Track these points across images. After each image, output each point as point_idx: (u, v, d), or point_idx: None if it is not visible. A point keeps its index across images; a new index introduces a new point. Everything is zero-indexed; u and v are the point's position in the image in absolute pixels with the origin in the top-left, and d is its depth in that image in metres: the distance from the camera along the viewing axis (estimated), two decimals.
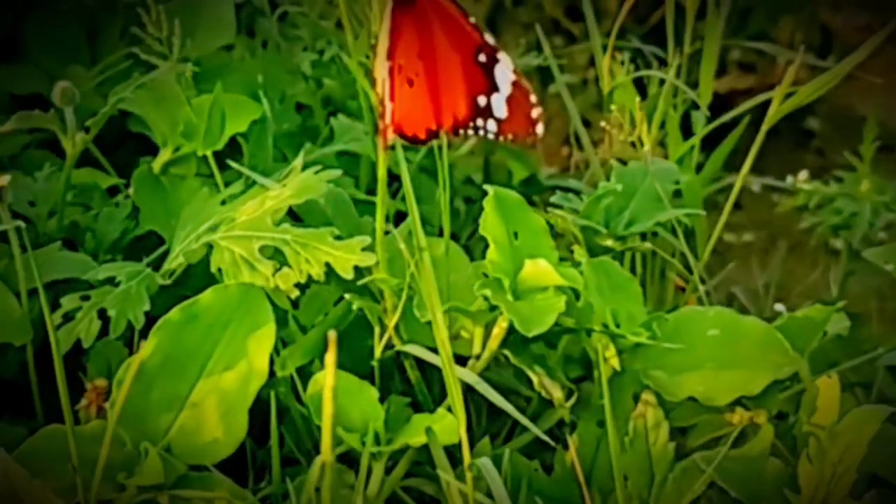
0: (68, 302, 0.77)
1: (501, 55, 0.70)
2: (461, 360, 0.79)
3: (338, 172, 0.78)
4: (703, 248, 1.02)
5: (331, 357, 0.47)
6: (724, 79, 1.57)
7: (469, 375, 0.72)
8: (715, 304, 0.87)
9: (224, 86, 0.95)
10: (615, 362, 0.79)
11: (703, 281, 0.94)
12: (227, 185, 0.90)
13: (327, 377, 0.47)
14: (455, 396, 0.66)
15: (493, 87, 0.70)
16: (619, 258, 1.00)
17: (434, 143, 1.07)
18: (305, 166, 0.79)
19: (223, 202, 0.83)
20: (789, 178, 1.24)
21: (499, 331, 0.77)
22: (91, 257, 0.89)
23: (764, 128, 0.97)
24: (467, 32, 0.70)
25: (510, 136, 0.70)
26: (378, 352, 0.79)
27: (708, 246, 1.02)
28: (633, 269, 1.01)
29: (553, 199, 0.91)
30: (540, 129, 0.70)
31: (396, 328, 0.77)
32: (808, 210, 1.22)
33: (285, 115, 1.04)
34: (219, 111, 0.87)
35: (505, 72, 0.70)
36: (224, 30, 1.03)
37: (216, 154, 0.92)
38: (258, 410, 0.74)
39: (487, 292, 0.74)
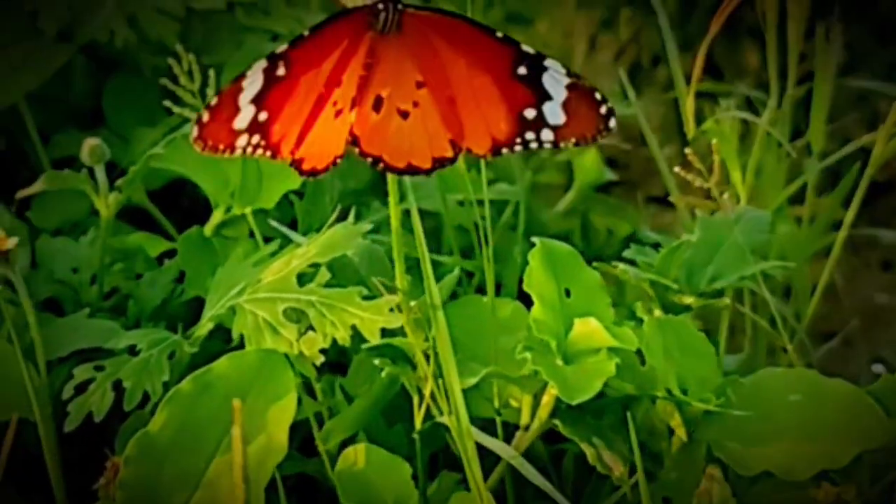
0: (81, 372, 0.72)
1: (549, 62, 0.63)
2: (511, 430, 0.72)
3: (367, 226, 0.71)
4: (808, 306, 0.93)
5: (237, 430, 0.40)
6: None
7: (505, 451, 0.65)
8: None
9: None
10: (682, 432, 0.70)
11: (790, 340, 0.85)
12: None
13: (234, 455, 0.40)
14: (474, 472, 0.58)
15: (542, 97, 0.63)
16: (707, 317, 0.92)
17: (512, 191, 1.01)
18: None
19: (257, 263, 0.77)
20: None
21: (549, 398, 0.70)
22: (134, 325, 0.85)
23: (869, 171, 0.88)
24: (496, 48, 0.63)
25: (572, 140, 0.63)
26: (418, 423, 0.72)
27: (811, 304, 0.92)
28: (731, 330, 0.92)
29: (626, 252, 0.83)
30: (612, 123, 0.63)
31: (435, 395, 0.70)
32: None
33: (352, 172, 0.98)
34: (255, 165, 0.81)
35: (556, 77, 0.63)
36: None
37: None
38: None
39: (528, 355, 0.66)
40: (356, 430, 0.76)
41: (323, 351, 0.69)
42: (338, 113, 0.63)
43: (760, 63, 1.44)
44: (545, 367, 0.66)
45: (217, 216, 0.89)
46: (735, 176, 0.94)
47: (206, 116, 0.62)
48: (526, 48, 0.63)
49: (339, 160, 0.63)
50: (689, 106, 0.93)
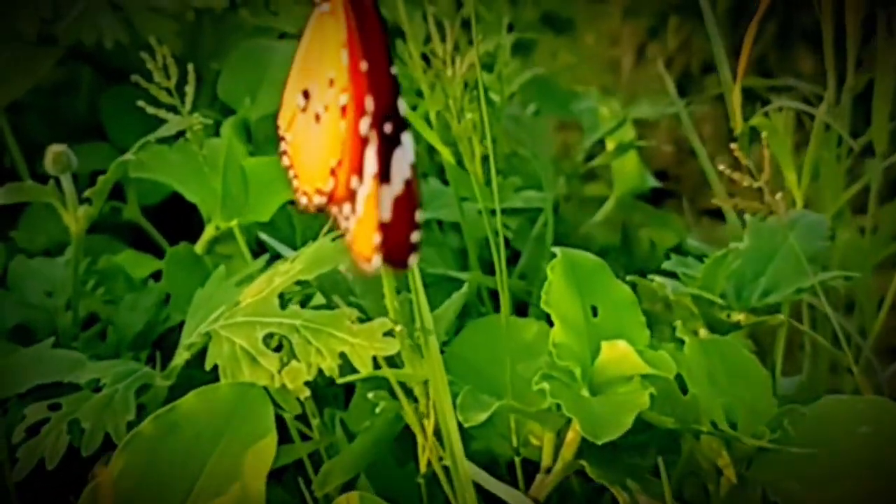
0: (34, 412, 0.62)
1: (406, 138, 0.48)
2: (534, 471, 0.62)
3: None
4: (874, 321, 0.83)
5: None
6: None
7: (518, 500, 0.54)
8: None
9: None
10: (731, 473, 0.60)
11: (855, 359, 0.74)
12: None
13: None
14: None
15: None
16: (759, 336, 0.81)
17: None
18: None
19: (240, 283, 0.67)
20: None
21: (574, 435, 0.59)
22: (114, 355, 0.75)
23: None
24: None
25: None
26: (422, 464, 0.62)
27: (878, 319, 0.82)
28: (787, 350, 0.81)
29: (666, 264, 0.73)
30: (377, 262, 0.48)
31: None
32: None
33: None
34: (237, 173, 0.71)
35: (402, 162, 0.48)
36: None
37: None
38: None
39: (546, 386, 0.56)
40: (357, 473, 0.66)
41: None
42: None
43: (814, 68, 1.35)
44: (567, 399, 0.56)
45: (209, 231, 0.79)
46: (789, 177, 0.84)
47: None
48: (400, 104, 0.48)
49: None
50: (735, 99, 0.83)
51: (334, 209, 0.49)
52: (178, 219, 0.89)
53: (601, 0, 1.44)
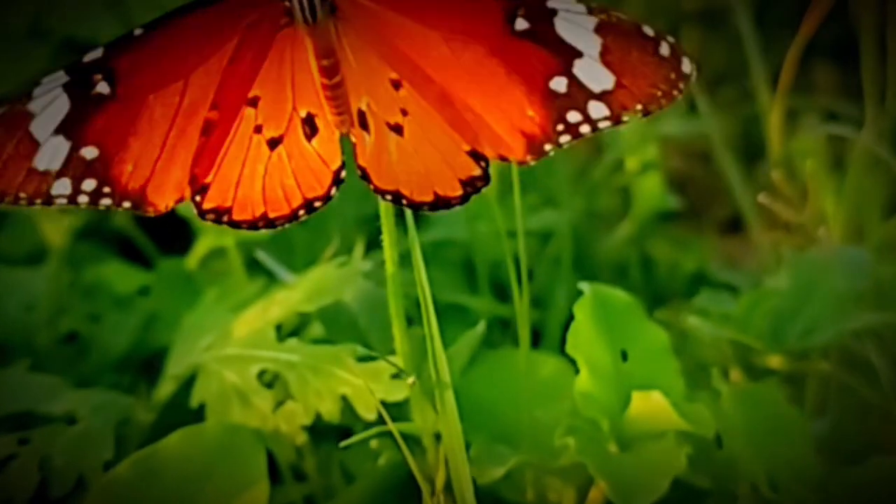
0: (1, 447, 0.56)
1: (555, 2, 0.44)
2: None
3: (365, 265, 0.55)
4: None
5: None
6: None
7: None
8: None
9: None
10: None
11: None
12: None
13: None
14: None
15: (568, 55, 0.44)
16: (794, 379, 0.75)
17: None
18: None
19: (234, 308, 0.61)
20: None
21: (597, 493, 0.53)
22: (94, 379, 0.70)
23: None
24: (477, 4, 0.45)
25: (638, 107, 0.44)
26: None
27: None
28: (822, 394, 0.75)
29: (697, 300, 0.67)
30: (687, 67, 0.44)
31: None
32: None
33: (369, 194, 0.82)
34: None
35: (574, 20, 0.44)
36: None
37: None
38: None
39: (571, 442, 0.50)
40: None
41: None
42: (272, 142, 0.47)
43: (829, 82, 1.29)
44: (595, 458, 0.50)
45: (202, 245, 0.74)
46: (826, 205, 0.79)
47: None
48: None
49: (303, 207, 0.47)
50: (774, 122, 0.77)
51: None
52: (167, 221, 0.83)
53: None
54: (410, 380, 0.48)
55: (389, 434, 0.53)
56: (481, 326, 0.57)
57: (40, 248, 0.83)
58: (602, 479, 0.49)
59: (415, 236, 0.47)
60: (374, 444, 0.53)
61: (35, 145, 0.45)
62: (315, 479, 0.61)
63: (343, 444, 0.51)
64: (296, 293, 0.56)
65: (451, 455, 0.46)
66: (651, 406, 0.52)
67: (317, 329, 0.59)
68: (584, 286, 0.56)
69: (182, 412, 0.61)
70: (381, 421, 0.52)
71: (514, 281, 0.77)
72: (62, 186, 0.45)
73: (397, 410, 0.55)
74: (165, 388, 0.60)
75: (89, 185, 0.45)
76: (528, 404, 0.57)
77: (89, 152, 0.45)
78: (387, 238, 0.49)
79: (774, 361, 0.64)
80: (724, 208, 1.15)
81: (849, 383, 0.69)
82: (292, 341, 0.55)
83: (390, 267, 0.49)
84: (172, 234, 0.82)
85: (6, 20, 0.83)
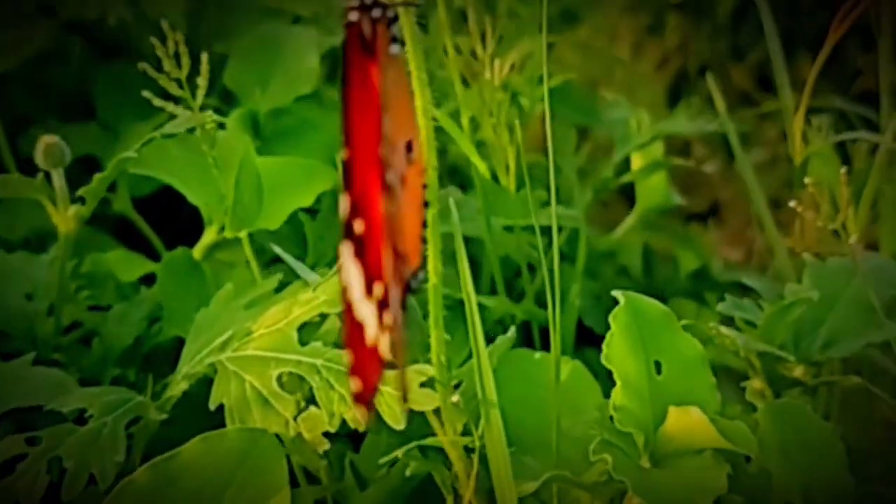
0: (9, 446, 0.54)
1: None
2: None
3: None
4: None
5: None
6: None
7: None
8: None
9: (298, 147, 0.74)
10: None
11: None
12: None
13: None
14: None
15: None
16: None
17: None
18: None
19: (249, 305, 0.59)
20: None
21: None
22: (98, 371, 0.67)
23: None
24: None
25: None
26: None
27: None
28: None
29: (720, 306, 0.65)
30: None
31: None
32: None
33: None
34: (253, 179, 0.63)
35: None
36: (305, 78, 0.81)
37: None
38: None
39: (608, 458, 0.49)
40: None
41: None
42: None
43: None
44: (631, 474, 0.48)
45: (209, 235, 0.72)
46: (845, 211, 0.77)
47: None
48: None
49: None
50: (797, 126, 0.75)
51: None
52: (171, 208, 0.81)
53: None
54: (455, 397, 0.47)
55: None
56: (511, 332, 0.55)
57: (38, 232, 0.81)
58: (642, 498, 0.48)
59: (463, 255, 0.45)
60: (400, 454, 0.51)
61: None
62: (327, 483, 0.59)
63: (382, 461, 0.49)
64: (320, 293, 0.54)
65: (496, 473, 0.44)
66: (689, 422, 0.51)
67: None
68: (618, 295, 0.54)
69: (192, 411, 0.60)
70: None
71: (527, 281, 0.76)
72: None
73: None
74: (178, 388, 0.58)
75: None
76: (554, 417, 0.55)
77: None
78: (432, 249, 0.47)
79: (798, 371, 0.63)
80: (698, 200, 1.14)
81: (875, 394, 0.68)
82: (316, 344, 0.53)
83: (433, 277, 0.47)
84: (170, 216, 0.80)
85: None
